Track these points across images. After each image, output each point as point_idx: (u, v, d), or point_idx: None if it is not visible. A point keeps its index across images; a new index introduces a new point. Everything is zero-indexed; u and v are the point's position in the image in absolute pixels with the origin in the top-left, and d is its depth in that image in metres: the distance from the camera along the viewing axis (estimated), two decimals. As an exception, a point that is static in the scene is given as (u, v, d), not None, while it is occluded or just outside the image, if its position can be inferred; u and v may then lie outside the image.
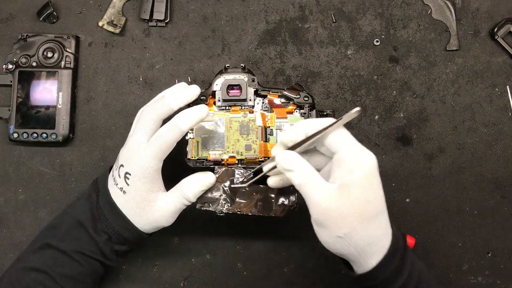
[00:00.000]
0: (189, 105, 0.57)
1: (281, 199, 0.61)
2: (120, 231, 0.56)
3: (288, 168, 0.50)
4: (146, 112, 0.56)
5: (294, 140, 0.52)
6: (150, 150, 0.54)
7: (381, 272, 0.49)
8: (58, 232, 0.57)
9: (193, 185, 0.56)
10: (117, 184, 0.56)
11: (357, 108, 0.49)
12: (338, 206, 0.48)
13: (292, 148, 0.52)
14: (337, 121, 0.50)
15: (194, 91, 0.57)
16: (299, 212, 0.67)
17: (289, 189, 0.62)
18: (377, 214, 0.49)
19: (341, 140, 0.50)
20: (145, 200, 0.55)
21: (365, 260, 0.50)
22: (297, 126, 0.52)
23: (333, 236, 0.49)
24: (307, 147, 0.52)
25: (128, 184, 0.55)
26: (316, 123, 0.51)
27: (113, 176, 0.57)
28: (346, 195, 0.48)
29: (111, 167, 0.60)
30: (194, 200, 0.57)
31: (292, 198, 0.60)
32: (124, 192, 0.55)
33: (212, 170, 0.61)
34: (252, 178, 0.58)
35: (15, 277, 0.56)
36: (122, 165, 0.56)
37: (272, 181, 0.56)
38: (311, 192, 0.49)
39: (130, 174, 0.55)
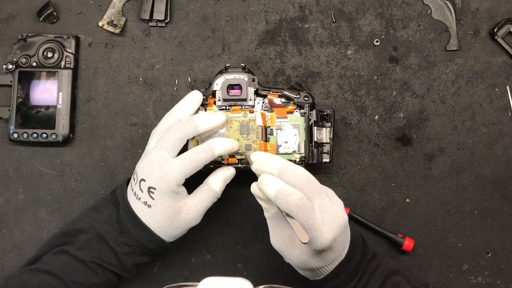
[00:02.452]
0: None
1: None
2: (145, 243, 0.57)
3: (259, 202, 0.56)
4: (174, 131, 0.56)
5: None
6: (181, 166, 0.55)
7: (326, 283, 0.55)
8: (77, 241, 0.58)
9: (220, 180, 0.59)
10: (139, 198, 0.56)
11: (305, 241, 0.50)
12: (282, 251, 0.55)
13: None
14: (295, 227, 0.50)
15: (222, 117, 0.59)
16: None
17: None
18: (318, 267, 0.54)
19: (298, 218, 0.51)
20: (174, 210, 0.56)
21: (311, 277, 0.57)
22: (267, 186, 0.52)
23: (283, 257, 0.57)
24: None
25: (153, 198, 0.55)
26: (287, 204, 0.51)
27: (133, 190, 0.57)
28: (290, 250, 0.54)
29: (129, 180, 0.61)
30: (221, 192, 0.60)
31: None
32: (149, 206, 0.56)
33: (211, 170, 0.61)
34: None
35: (28, 277, 0.57)
36: (143, 179, 0.56)
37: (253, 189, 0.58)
38: (269, 227, 0.56)
39: (155, 189, 0.55)
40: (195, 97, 0.59)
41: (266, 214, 0.56)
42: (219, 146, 0.57)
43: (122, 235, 0.57)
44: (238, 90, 0.62)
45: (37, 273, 0.57)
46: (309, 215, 0.50)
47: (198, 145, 0.61)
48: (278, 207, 0.52)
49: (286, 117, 0.62)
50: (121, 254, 0.57)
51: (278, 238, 0.55)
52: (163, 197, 0.55)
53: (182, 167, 0.55)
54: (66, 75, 0.69)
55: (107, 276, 0.58)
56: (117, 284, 0.61)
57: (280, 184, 0.51)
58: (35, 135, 0.68)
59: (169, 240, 0.59)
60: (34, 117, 0.68)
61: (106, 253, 0.57)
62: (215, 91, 0.62)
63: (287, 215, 0.50)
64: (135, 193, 0.57)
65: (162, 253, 0.68)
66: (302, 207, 0.50)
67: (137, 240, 0.57)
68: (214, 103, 0.62)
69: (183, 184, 0.57)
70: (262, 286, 0.50)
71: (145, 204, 0.56)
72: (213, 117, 0.58)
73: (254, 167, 0.55)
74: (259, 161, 0.54)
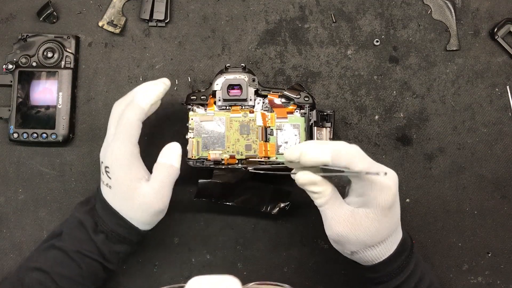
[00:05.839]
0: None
1: (274, 201, 0.65)
2: (115, 229, 0.56)
3: (312, 190, 0.52)
4: (116, 105, 0.58)
5: (316, 163, 0.51)
6: (117, 136, 0.55)
7: (381, 268, 0.54)
8: (63, 233, 0.58)
9: (173, 151, 0.57)
10: (103, 181, 0.56)
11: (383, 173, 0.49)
12: (348, 233, 0.51)
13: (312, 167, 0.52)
14: (367, 173, 0.49)
15: (161, 85, 0.58)
16: (299, 212, 0.67)
17: (283, 194, 0.64)
18: (385, 240, 0.52)
19: (360, 170, 0.50)
20: (130, 189, 0.55)
21: (367, 263, 0.54)
22: (323, 149, 0.50)
23: (342, 250, 0.54)
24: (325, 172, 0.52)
25: (110, 178, 0.55)
26: (344, 156, 0.50)
27: (100, 176, 0.58)
28: (356, 225, 0.51)
29: None
30: (177, 164, 0.57)
31: (282, 204, 0.65)
32: (110, 187, 0.56)
33: (212, 170, 0.61)
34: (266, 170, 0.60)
35: (17, 276, 0.57)
36: (102, 162, 0.57)
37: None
38: (327, 216, 0.53)
39: (108, 167, 0.55)
40: (158, 82, 0.59)
41: (320, 201, 0.52)
42: (143, 97, 0.56)
43: (97, 222, 0.57)
44: (238, 90, 0.62)
45: (27, 271, 0.57)
46: (372, 162, 0.51)
47: (198, 144, 0.61)
48: (334, 168, 0.50)
49: (286, 117, 0.62)
50: (98, 241, 0.56)
51: (340, 222, 0.51)
52: (117, 174, 0.55)
53: (118, 136, 0.55)
54: (66, 75, 0.69)
55: (89, 266, 0.56)
56: (112, 281, 0.60)
57: (330, 145, 0.50)
58: (35, 135, 0.68)
59: (142, 228, 0.57)
60: (34, 117, 0.68)
61: (86, 241, 0.56)
62: (215, 91, 0.62)
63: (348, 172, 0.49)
64: (101, 178, 0.57)
65: (162, 253, 0.68)
66: (364, 155, 0.50)
67: (108, 225, 0.56)
68: (214, 103, 0.62)
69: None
70: (251, 284, 0.49)
71: (107, 186, 0.56)
72: (152, 86, 0.58)
73: (303, 160, 0.51)
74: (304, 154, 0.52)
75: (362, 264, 0.55)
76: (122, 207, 0.56)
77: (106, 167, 0.55)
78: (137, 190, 0.55)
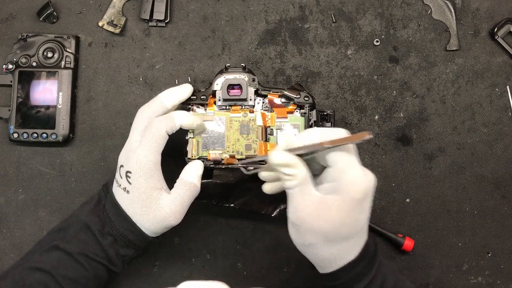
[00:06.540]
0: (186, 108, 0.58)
1: (275, 202, 0.65)
2: (125, 233, 0.56)
3: (285, 172, 0.49)
4: (141, 111, 0.58)
5: (300, 144, 0.50)
6: (143, 143, 0.55)
7: (337, 277, 0.51)
8: (66, 234, 0.58)
9: (194, 169, 0.57)
10: (120, 185, 0.56)
11: (370, 136, 0.47)
12: (312, 220, 0.48)
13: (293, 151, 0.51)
14: (347, 141, 0.48)
15: (187, 89, 0.60)
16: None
17: (283, 195, 0.64)
18: (347, 237, 0.50)
19: (340, 156, 0.49)
20: (149, 197, 0.55)
21: (322, 268, 0.52)
22: (306, 133, 0.51)
23: (300, 240, 0.51)
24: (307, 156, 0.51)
25: (130, 183, 0.55)
26: (327, 134, 0.50)
27: (115, 178, 0.57)
28: (322, 212, 0.48)
29: None
30: (199, 184, 0.57)
31: (283, 206, 0.65)
32: (128, 191, 0.55)
33: (212, 170, 0.61)
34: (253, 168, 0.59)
35: (19, 276, 0.56)
36: (122, 165, 0.56)
37: (268, 188, 0.56)
38: (294, 199, 0.50)
39: (130, 172, 0.55)
40: (184, 87, 0.60)
41: (291, 183, 0.49)
42: (180, 117, 0.56)
43: (106, 224, 0.57)
44: (238, 90, 0.62)
45: (29, 271, 0.56)
46: (352, 147, 0.50)
47: (198, 144, 0.61)
48: (312, 149, 0.49)
49: (286, 117, 0.62)
50: (105, 244, 0.56)
51: (306, 206, 0.49)
52: (139, 181, 0.54)
53: (145, 144, 0.55)
54: (66, 75, 0.69)
55: (94, 268, 0.57)
56: (112, 281, 0.60)
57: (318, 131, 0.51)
58: (35, 135, 0.68)
59: (150, 235, 0.57)
60: (34, 117, 0.68)
61: (91, 243, 0.56)
62: (215, 91, 0.62)
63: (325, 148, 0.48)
64: (117, 180, 0.57)
65: (162, 253, 0.68)
66: (346, 136, 0.49)
67: (117, 229, 0.56)
68: (214, 103, 0.62)
69: (169, 184, 0.57)
70: None
71: (124, 190, 0.55)
72: (178, 90, 0.59)
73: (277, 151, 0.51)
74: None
75: (318, 269, 0.53)
76: (136, 213, 0.55)
77: (128, 171, 0.55)
78: (157, 201, 0.55)
